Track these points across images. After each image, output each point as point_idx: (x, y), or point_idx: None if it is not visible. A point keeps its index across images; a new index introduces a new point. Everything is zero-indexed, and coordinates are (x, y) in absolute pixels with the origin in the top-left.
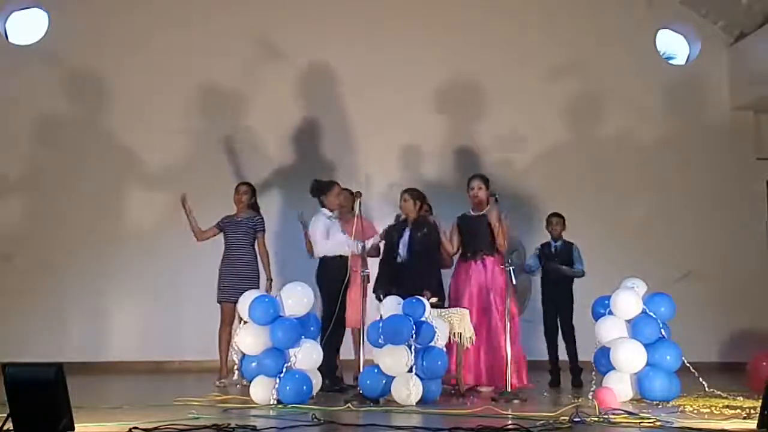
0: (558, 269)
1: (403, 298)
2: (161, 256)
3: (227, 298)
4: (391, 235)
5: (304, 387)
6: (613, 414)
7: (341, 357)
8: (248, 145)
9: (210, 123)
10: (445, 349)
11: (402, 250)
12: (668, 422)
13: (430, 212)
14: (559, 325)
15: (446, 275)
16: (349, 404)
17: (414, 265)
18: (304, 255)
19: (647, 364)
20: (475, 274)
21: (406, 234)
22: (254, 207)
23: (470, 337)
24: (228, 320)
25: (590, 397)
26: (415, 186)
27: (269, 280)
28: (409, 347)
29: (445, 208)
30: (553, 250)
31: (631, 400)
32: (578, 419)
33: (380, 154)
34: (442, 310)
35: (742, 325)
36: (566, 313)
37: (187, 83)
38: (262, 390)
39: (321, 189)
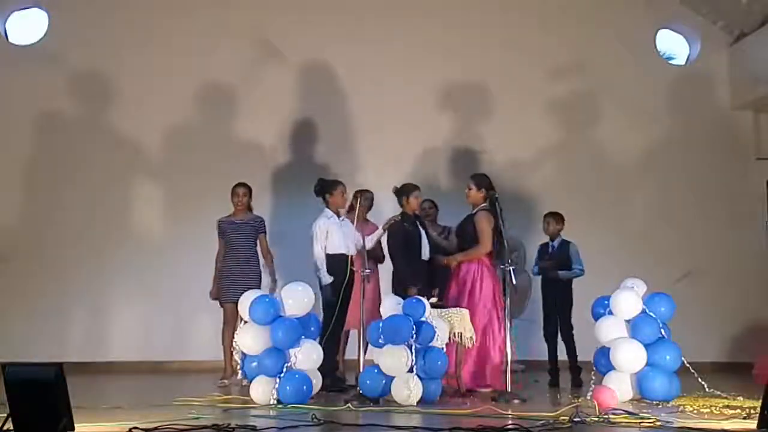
0: (555, 275)
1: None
2: (161, 256)
3: (230, 298)
4: (409, 231)
5: (304, 387)
6: (613, 414)
7: (346, 356)
8: (248, 144)
9: (210, 122)
10: (444, 349)
11: (425, 248)
12: (668, 422)
13: (436, 209)
14: (558, 325)
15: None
16: (349, 404)
17: (435, 264)
18: (304, 255)
19: (647, 364)
20: (456, 275)
21: (422, 231)
22: (250, 207)
23: (470, 337)
24: (231, 321)
25: (589, 397)
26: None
27: (274, 281)
28: (409, 347)
29: (445, 208)
30: (550, 250)
31: (631, 400)
32: (578, 419)
33: (381, 153)
34: (442, 310)
35: (741, 325)
36: (565, 313)
37: (187, 82)
38: (262, 390)
39: (325, 188)
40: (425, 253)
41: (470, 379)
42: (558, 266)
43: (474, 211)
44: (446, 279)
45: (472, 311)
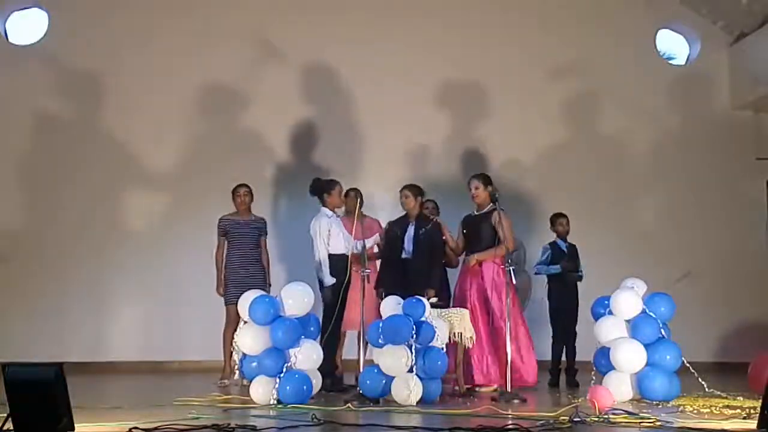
0: (576, 277)
1: (405, 297)
2: (161, 256)
3: (235, 300)
4: (394, 230)
5: (304, 387)
6: (613, 414)
7: (344, 357)
8: (248, 144)
9: (210, 122)
10: (445, 349)
11: (407, 245)
12: (668, 422)
13: (437, 210)
14: (564, 326)
15: (452, 275)
16: (349, 404)
17: (418, 263)
18: (305, 255)
19: (647, 364)
20: (475, 275)
21: (411, 230)
22: (250, 208)
23: (470, 337)
24: (233, 322)
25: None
26: (418, 185)
27: (269, 285)
28: (409, 347)
29: (447, 207)
30: (565, 250)
31: (631, 400)
32: (578, 419)
33: (383, 153)
34: (442, 310)
35: (741, 325)
36: (573, 315)
37: (187, 83)
38: (262, 390)
39: (322, 188)
40: (407, 251)
41: (529, 378)
42: (575, 267)
43: (485, 211)
44: (439, 280)
45: (503, 313)
